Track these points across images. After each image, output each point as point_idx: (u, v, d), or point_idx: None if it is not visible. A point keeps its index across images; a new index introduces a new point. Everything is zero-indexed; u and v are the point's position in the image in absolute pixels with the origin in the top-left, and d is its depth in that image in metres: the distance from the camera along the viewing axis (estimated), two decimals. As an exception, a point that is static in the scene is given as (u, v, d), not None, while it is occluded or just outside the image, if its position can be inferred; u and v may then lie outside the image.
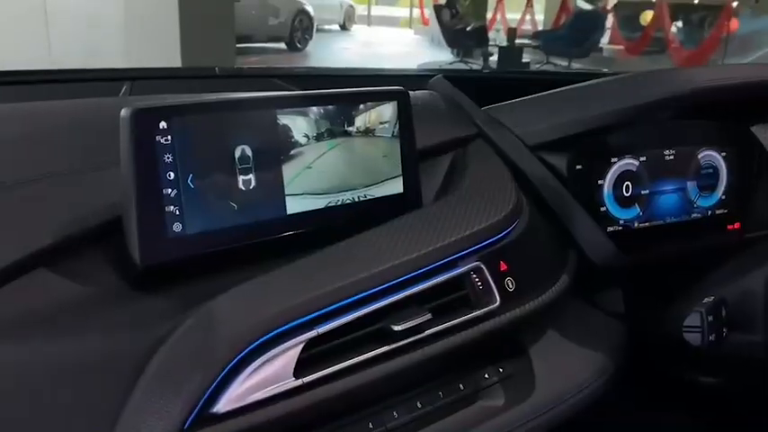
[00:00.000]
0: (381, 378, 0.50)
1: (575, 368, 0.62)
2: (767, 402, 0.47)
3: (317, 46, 8.74)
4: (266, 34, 7.94)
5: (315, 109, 0.56)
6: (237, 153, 0.52)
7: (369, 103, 0.59)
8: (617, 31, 8.53)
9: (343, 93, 0.58)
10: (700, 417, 0.82)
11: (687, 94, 0.68)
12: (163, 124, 0.49)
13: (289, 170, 0.55)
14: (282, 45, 8.23)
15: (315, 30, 8.73)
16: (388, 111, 0.61)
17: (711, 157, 0.77)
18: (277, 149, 0.54)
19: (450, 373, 0.57)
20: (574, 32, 7.17)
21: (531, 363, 0.60)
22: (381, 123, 0.60)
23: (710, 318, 0.58)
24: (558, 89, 0.76)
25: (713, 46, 6.90)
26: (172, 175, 0.49)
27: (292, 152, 0.55)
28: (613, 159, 0.71)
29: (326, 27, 11.56)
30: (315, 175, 0.56)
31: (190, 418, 0.42)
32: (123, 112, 0.47)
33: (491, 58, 6.87)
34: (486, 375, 0.59)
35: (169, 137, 0.49)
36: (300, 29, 8.32)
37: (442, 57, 7.59)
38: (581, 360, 0.63)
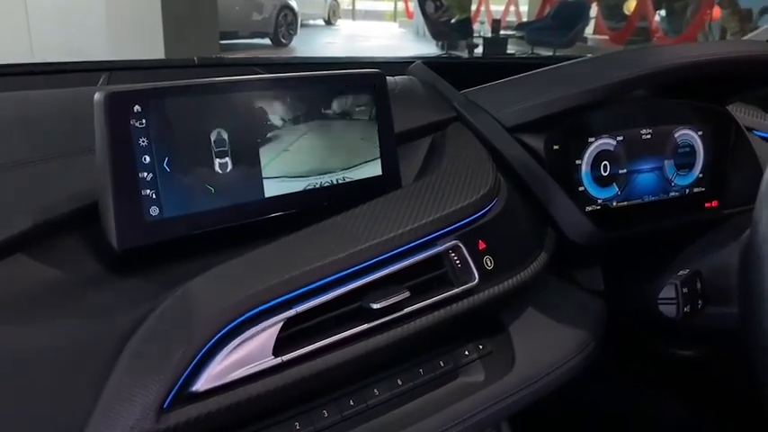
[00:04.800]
0: (361, 356, 0.50)
1: (554, 344, 0.63)
2: (742, 374, 0.48)
3: (301, 41, 8.71)
4: (250, 30, 7.90)
5: (291, 92, 0.56)
6: (213, 136, 0.52)
7: (345, 87, 0.60)
8: (601, 21, 8.56)
9: (320, 76, 0.58)
10: (678, 390, 0.83)
11: (660, 72, 0.69)
12: (137, 108, 0.49)
13: (266, 153, 0.55)
14: (267, 41, 8.19)
15: (299, 25, 8.69)
16: (364, 93, 0.61)
17: (688, 136, 0.78)
18: (253, 133, 0.54)
19: (431, 350, 0.58)
20: (558, 23, 7.18)
21: (511, 339, 0.61)
22: (358, 106, 0.61)
23: (685, 290, 0.59)
24: (535, 71, 0.77)
25: (696, 33, 6.94)
26: (147, 158, 0.49)
27: (269, 135, 0.55)
28: (590, 139, 0.72)
29: (311, 22, 11.52)
30: (292, 158, 0.57)
31: (169, 397, 0.42)
32: (97, 96, 0.47)
33: (476, 50, 6.87)
34: (467, 352, 0.59)
35: (144, 120, 0.49)
36: (285, 24, 8.27)
37: (427, 49, 7.59)
38: (560, 336, 0.64)
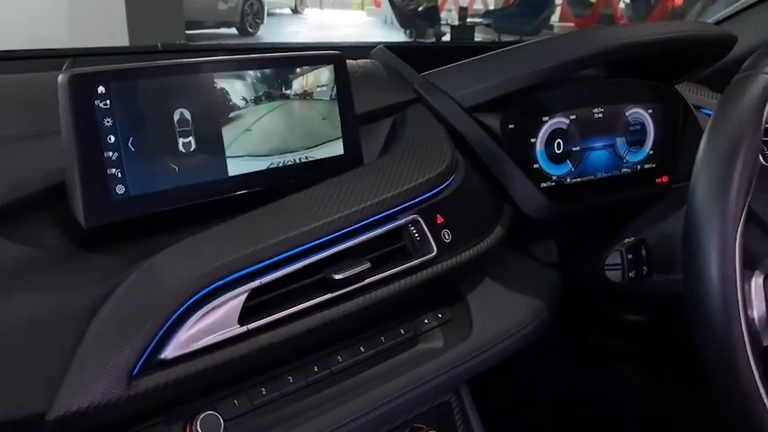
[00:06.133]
0: (324, 324, 0.53)
1: (510, 312, 0.66)
2: (688, 337, 0.51)
3: (268, 30, 8.63)
4: (216, 19, 7.80)
5: (252, 73, 0.58)
6: (176, 116, 0.54)
7: (306, 67, 0.62)
8: (567, 9, 8.64)
9: (280, 57, 0.60)
10: (635, 359, 0.87)
11: (608, 51, 0.72)
12: (101, 89, 0.50)
13: (228, 133, 0.57)
14: (233, 30, 8.11)
15: (266, 14, 8.62)
16: (325, 75, 0.63)
17: (639, 114, 0.82)
18: (216, 112, 0.56)
19: (392, 319, 0.60)
20: (524, 10, 7.25)
21: (469, 308, 0.64)
22: (319, 87, 0.63)
23: (630, 256, 0.62)
24: (492, 52, 0.79)
25: (659, 19, 7.05)
26: (112, 138, 0.50)
27: (231, 115, 0.57)
28: (544, 118, 0.75)
29: (278, 11, 11.42)
30: (255, 138, 0.58)
31: (139, 364, 0.44)
32: (61, 78, 0.48)
33: (443, 38, 6.90)
34: (426, 321, 0.62)
35: (108, 101, 0.50)
36: (251, 13, 8.19)
37: (395, 37, 7.60)
38: (516, 305, 0.67)
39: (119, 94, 0.51)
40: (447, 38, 6.89)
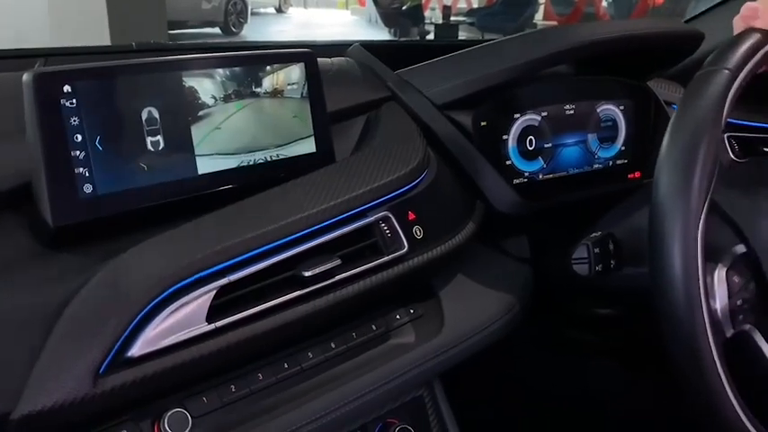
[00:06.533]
0: (294, 321, 0.53)
1: (482, 307, 0.66)
2: (656, 329, 0.52)
3: (252, 29, 8.60)
4: (200, 19, 7.77)
5: (221, 71, 0.58)
6: (144, 115, 0.54)
7: (276, 65, 0.62)
8: (550, 7, 8.69)
9: (249, 55, 0.60)
10: (610, 349, 0.88)
11: (579, 47, 0.73)
12: (67, 88, 0.50)
13: (197, 131, 0.57)
14: (217, 30, 8.08)
15: (250, 13, 8.59)
16: (296, 73, 0.63)
17: (610, 110, 0.82)
18: (184, 111, 0.56)
19: (363, 315, 0.61)
20: (508, 8, 7.28)
21: (441, 303, 0.65)
22: (290, 85, 0.63)
23: (597, 250, 0.63)
24: (465, 50, 0.80)
25: (641, 17, 7.11)
26: (79, 137, 0.50)
27: (200, 113, 0.57)
28: (516, 115, 0.75)
29: (261, 10, 11.39)
30: (225, 136, 0.58)
31: (105, 362, 0.44)
32: (25, 77, 0.48)
33: (428, 37, 6.91)
34: (398, 316, 0.62)
35: (74, 100, 0.50)
36: (234, 12, 8.16)
37: (379, 36, 7.60)
38: (488, 300, 0.67)
39: (85, 93, 0.51)
40: (431, 36, 6.91)
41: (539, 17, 8.44)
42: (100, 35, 3.57)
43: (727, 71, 0.53)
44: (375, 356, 0.59)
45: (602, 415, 0.97)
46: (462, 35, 7.17)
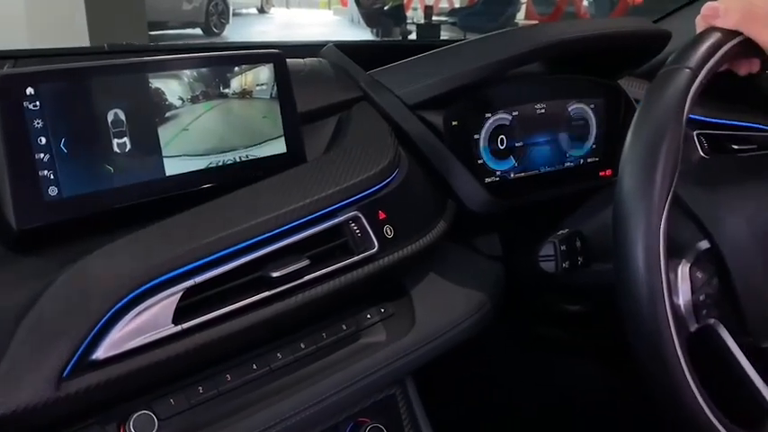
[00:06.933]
0: (262, 322, 0.53)
1: (453, 305, 0.67)
2: (621, 325, 0.52)
3: (234, 30, 8.56)
4: (180, 20, 7.72)
5: (189, 72, 0.58)
6: (110, 117, 0.54)
7: (244, 66, 0.62)
8: (531, 6, 8.74)
9: (217, 56, 0.60)
10: (586, 347, 0.89)
11: (548, 46, 0.73)
12: (30, 90, 0.50)
13: (165, 132, 0.56)
14: (199, 31, 8.03)
15: (231, 13, 8.55)
16: (264, 73, 0.63)
17: (581, 109, 0.83)
18: (151, 112, 0.56)
19: (333, 315, 0.61)
20: (489, 8, 7.33)
21: (412, 302, 0.65)
22: (258, 85, 0.63)
23: (563, 247, 0.64)
24: (437, 50, 0.80)
25: (621, 16, 7.17)
26: (43, 140, 0.50)
27: (167, 115, 0.57)
28: (487, 115, 0.76)
29: (243, 11, 11.35)
30: (193, 137, 0.58)
31: (69, 365, 0.44)
32: None
33: (410, 37, 6.92)
34: (369, 316, 0.63)
35: (38, 102, 0.50)
36: (216, 13, 8.12)
37: (361, 36, 7.60)
38: (459, 298, 0.68)
39: (49, 96, 0.50)
40: (414, 36, 6.92)
41: (520, 16, 8.49)
42: (79, 36, 3.54)
43: (687, 70, 0.53)
44: (345, 356, 0.59)
45: (574, 412, 0.98)
46: (444, 35, 7.18)
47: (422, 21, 7.44)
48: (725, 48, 0.55)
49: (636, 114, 0.54)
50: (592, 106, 0.84)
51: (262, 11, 12.13)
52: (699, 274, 0.56)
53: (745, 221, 0.58)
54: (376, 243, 0.60)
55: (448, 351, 0.64)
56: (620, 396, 0.91)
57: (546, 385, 0.97)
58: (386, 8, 7.45)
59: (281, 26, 10.44)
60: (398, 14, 7.39)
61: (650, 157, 0.51)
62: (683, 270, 0.56)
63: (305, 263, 0.55)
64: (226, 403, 0.53)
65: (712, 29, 0.56)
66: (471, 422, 0.94)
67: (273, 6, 12.73)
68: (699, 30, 0.58)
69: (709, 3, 0.57)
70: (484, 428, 0.96)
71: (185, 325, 0.49)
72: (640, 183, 0.50)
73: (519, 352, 0.93)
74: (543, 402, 0.98)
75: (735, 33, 0.56)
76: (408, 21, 7.35)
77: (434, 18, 7.50)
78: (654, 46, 0.82)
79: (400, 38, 6.96)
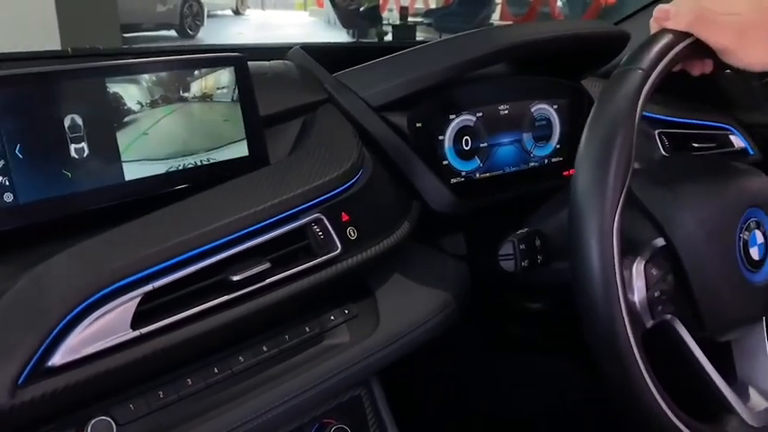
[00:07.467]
0: (223, 326, 0.53)
1: (418, 305, 0.67)
2: (578, 323, 0.53)
3: (209, 32, 8.51)
4: (154, 21, 7.66)
5: (147, 76, 0.58)
6: (67, 122, 0.53)
7: (204, 69, 0.62)
8: (506, 7, 8.80)
9: (176, 60, 0.60)
10: (541, 345, 0.90)
11: (508, 48, 0.74)
12: (-18, 96, 0.49)
13: (123, 137, 0.56)
14: (173, 32, 7.97)
15: (206, 15, 8.50)
16: (225, 76, 0.63)
17: (544, 109, 0.84)
18: (109, 117, 0.56)
19: (296, 317, 0.61)
20: (464, 9, 7.37)
21: (377, 303, 0.65)
22: (219, 89, 0.63)
23: (522, 246, 0.64)
24: (403, 51, 0.81)
25: (594, 17, 7.25)
26: (-3, 146, 0.50)
27: (126, 119, 0.56)
28: (452, 116, 0.77)
29: (219, 12, 11.27)
30: (152, 142, 0.58)
31: (24, 373, 0.43)
32: None
33: (386, 38, 6.93)
34: (332, 317, 0.63)
35: (-9, 108, 0.49)
36: (191, 15, 8.07)
37: (337, 38, 7.60)
38: (424, 298, 0.68)
39: (2, 101, 0.50)
40: (389, 37, 6.93)
41: (495, 17, 8.54)
42: (50, 39, 3.49)
43: (640, 71, 0.54)
44: (309, 357, 0.60)
45: (543, 411, 0.99)
46: (420, 36, 7.21)
47: (397, 22, 7.47)
48: (676, 49, 0.56)
49: (590, 114, 0.55)
50: (555, 107, 0.85)
51: (237, 12, 12.06)
52: (654, 271, 0.57)
53: (699, 219, 0.60)
54: (339, 245, 0.61)
55: (413, 351, 0.65)
56: (588, 394, 0.93)
57: (514, 385, 0.98)
58: (361, 9, 7.45)
59: (258, 27, 10.40)
60: (374, 15, 7.39)
61: (603, 157, 0.52)
62: (638, 267, 0.57)
63: (266, 266, 0.55)
64: (187, 407, 0.52)
65: (664, 30, 0.57)
66: (438, 422, 0.95)
67: (249, 8, 12.67)
68: (652, 32, 0.59)
69: (661, 5, 0.58)
70: (450, 428, 0.97)
71: (144, 330, 0.48)
72: (594, 181, 0.51)
73: (486, 351, 0.94)
74: (511, 402, 0.99)
75: (686, 35, 0.57)
76: (384, 22, 7.36)
77: (410, 19, 7.53)
78: (614, 47, 0.84)
79: (376, 39, 6.96)
